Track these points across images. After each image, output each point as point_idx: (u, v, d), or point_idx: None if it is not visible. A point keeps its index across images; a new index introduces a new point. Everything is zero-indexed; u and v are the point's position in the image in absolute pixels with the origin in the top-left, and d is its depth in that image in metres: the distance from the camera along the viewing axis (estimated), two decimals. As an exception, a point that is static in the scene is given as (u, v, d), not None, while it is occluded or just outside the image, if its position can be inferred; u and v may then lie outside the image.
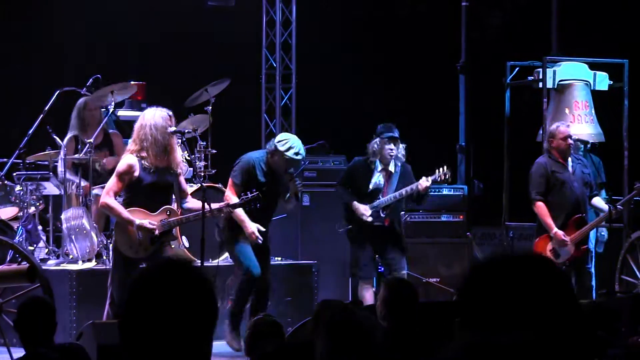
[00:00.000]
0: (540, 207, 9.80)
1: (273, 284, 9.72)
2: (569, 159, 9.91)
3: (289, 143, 9.22)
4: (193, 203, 8.55)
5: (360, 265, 9.97)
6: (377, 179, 9.95)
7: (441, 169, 9.98)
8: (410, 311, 5.80)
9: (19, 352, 6.01)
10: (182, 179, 8.56)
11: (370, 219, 9.92)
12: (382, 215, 9.94)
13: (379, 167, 9.94)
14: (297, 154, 9.21)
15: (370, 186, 9.95)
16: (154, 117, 8.29)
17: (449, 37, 13.32)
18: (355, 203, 9.94)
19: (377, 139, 9.88)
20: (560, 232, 9.72)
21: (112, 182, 8.29)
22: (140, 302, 2.25)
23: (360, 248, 10.01)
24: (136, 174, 8.23)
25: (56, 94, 10.38)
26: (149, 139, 8.22)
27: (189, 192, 8.75)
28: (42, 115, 10.34)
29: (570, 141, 9.89)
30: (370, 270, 10.11)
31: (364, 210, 9.91)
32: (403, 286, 5.99)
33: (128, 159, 8.27)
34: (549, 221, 9.73)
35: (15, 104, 12.45)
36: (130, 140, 8.42)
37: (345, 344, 4.43)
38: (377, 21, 15.12)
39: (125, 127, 11.46)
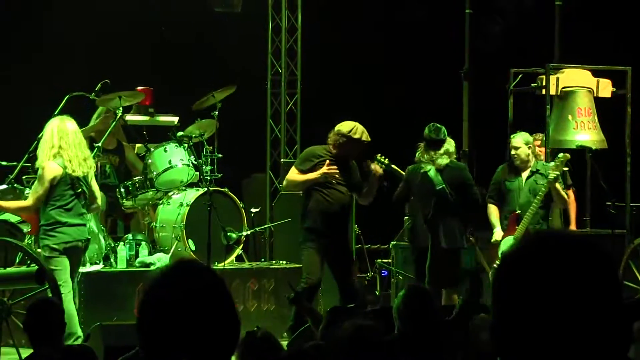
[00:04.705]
0: (488, 208, 10.19)
1: (279, 287, 9.71)
2: (527, 170, 10.12)
3: (359, 128, 9.17)
4: None
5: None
6: None
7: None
8: (425, 320, 5.80)
9: (28, 353, 6.09)
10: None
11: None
12: None
13: None
14: (368, 135, 9.19)
15: None
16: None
17: (452, 44, 13.40)
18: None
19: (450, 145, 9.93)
20: (498, 232, 10.08)
21: None
22: (154, 304, 2.25)
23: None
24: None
25: (65, 98, 10.48)
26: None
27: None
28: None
29: (519, 151, 10.13)
30: None
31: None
32: (419, 295, 5.96)
33: None
34: (493, 220, 10.14)
35: (24, 108, 12.53)
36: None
37: None
38: (382, 28, 15.21)
39: (132, 132, 11.58)
